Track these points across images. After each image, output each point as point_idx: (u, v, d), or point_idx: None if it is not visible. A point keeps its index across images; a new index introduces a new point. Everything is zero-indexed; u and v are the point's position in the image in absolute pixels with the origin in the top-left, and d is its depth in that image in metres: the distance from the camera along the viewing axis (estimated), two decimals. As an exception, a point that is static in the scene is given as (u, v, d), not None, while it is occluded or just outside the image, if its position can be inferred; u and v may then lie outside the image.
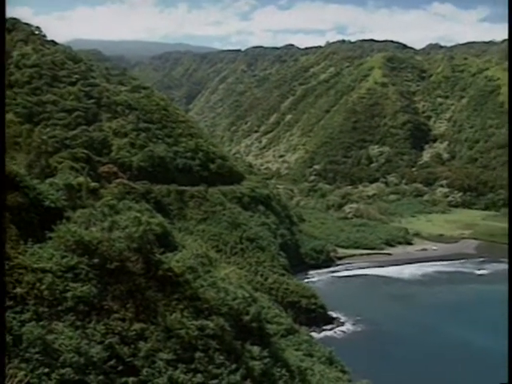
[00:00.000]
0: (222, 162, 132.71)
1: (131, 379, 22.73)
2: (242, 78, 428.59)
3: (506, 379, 18.76)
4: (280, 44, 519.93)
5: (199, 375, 26.07)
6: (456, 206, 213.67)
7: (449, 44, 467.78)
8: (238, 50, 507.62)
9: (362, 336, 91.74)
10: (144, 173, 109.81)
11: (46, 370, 19.47)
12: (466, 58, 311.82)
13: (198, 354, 27.06)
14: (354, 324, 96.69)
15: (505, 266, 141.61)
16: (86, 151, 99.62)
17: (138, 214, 31.88)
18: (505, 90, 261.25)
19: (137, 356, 24.04)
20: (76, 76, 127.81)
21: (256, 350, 32.83)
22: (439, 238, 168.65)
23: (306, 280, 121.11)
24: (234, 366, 28.59)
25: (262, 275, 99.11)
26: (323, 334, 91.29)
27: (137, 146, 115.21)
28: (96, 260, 25.63)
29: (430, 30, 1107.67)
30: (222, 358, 28.29)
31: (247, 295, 36.57)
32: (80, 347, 21.34)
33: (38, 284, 22.17)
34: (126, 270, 26.91)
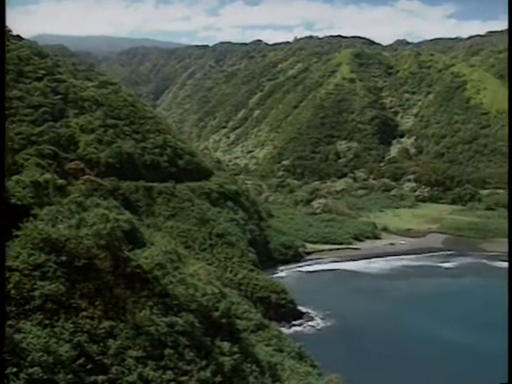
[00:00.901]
0: (190, 158, 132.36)
1: (100, 377, 22.61)
2: (210, 74, 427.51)
3: (506, 379, 18.88)
4: (248, 40, 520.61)
5: (169, 372, 26.03)
6: (423, 201, 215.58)
7: (416, 40, 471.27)
8: (206, 46, 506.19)
9: (331, 330, 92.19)
10: (112, 169, 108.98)
11: (14, 369, 19.27)
12: (432, 55, 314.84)
13: (167, 351, 27.01)
14: (323, 319, 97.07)
15: (471, 260, 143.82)
16: (52, 148, 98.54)
17: (106, 211, 31.71)
18: (471, 85, 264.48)
19: (106, 354, 23.90)
20: (42, 71, 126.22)
21: (226, 345, 32.87)
22: (407, 233, 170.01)
23: (276, 275, 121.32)
24: (204, 363, 28.58)
25: (231, 271, 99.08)
26: (293, 329, 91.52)
27: (104, 143, 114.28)
28: (64, 258, 25.42)
29: (398, 26, 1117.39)
30: (191, 354, 28.27)
31: (216, 291, 36.59)
32: (48, 346, 21.15)
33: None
34: (94, 268, 26.72)
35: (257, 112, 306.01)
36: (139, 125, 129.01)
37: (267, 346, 56.79)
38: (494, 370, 76.66)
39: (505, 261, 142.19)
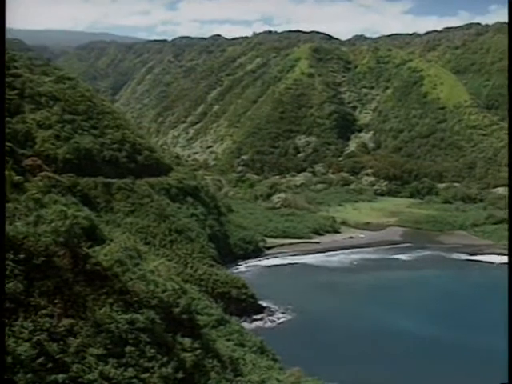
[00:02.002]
0: (150, 154, 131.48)
1: (61, 376, 22.39)
2: (168, 69, 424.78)
3: (507, 379, 19.09)
4: (207, 34, 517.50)
5: (130, 369, 25.92)
6: (382, 195, 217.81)
7: (374, 35, 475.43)
8: (165, 41, 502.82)
9: (292, 324, 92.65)
10: (70, 165, 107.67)
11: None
12: (390, 50, 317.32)
13: (128, 348, 26.89)
14: (284, 313, 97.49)
15: (429, 252, 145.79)
16: (9, 144, 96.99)
17: (64, 208, 31.40)
18: (428, 80, 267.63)
19: (66, 352, 23.69)
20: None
21: (187, 341, 32.88)
22: (366, 226, 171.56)
23: (236, 270, 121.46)
24: (165, 359, 28.54)
25: (191, 267, 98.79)
26: (254, 323, 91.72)
27: (62, 138, 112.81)
28: (22, 255, 25.10)
29: (356, 21, 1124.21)
30: (153, 351, 28.20)
31: (177, 287, 36.55)
32: (7, 346, 20.86)
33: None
34: (52, 265, 26.43)
35: (216, 107, 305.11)
36: (97, 120, 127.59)
37: (228, 341, 56.82)
38: (455, 361, 78.16)
39: (461, 252, 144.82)
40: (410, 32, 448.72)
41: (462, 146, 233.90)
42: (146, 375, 26.41)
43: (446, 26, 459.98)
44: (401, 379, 72.42)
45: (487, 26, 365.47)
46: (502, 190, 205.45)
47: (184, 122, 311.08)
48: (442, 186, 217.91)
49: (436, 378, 72.82)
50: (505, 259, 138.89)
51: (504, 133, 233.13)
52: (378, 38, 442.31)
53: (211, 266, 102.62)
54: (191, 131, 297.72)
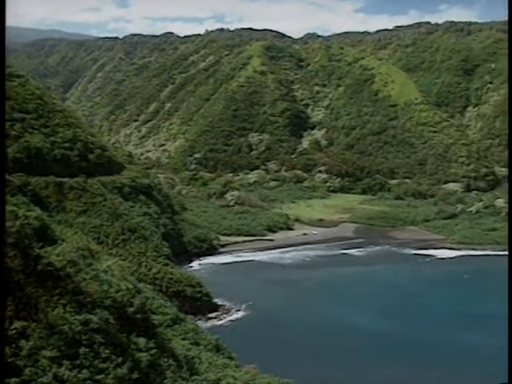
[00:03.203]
0: (101, 152, 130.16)
1: (13, 380, 21.98)
2: (120, 67, 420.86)
3: (507, 379, 19.19)
4: (159, 32, 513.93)
5: (85, 371, 25.59)
6: (335, 191, 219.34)
7: (325, 34, 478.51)
8: (116, 38, 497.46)
9: (247, 322, 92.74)
10: (20, 164, 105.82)
11: None
12: (342, 48, 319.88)
13: (82, 350, 26.54)
14: (239, 310, 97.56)
15: (381, 248, 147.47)
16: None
17: (15, 208, 30.85)
18: (379, 78, 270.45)
19: (18, 355, 23.27)
20: None
21: (142, 341, 32.64)
22: (319, 223, 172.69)
23: (190, 269, 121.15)
24: (120, 359, 28.26)
25: (145, 266, 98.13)
26: (209, 321, 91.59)
27: (11, 137, 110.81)
28: (-29, 257, 24.52)
29: (308, 19, 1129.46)
30: (107, 351, 27.89)
31: (131, 287, 36.26)
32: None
33: None
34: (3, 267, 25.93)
35: (168, 105, 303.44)
36: (48, 119, 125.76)
37: (184, 339, 56.62)
38: (408, 355, 79.18)
39: (413, 247, 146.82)
40: (362, 30, 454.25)
41: (413, 142, 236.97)
42: (101, 376, 26.13)
43: (396, 24, 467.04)
44: (355, 374, 73.04)
45: (437, 24, 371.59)
46: (452, 186, 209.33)
47: (136, 120, 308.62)
48: (393, 182, 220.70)
49: (390, 372, 73.65)
50: (455, 253, 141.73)
51: (454, 130, 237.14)
52: (330, 36, 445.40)
53: (165, 264, 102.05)
54: (143, 129, 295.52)
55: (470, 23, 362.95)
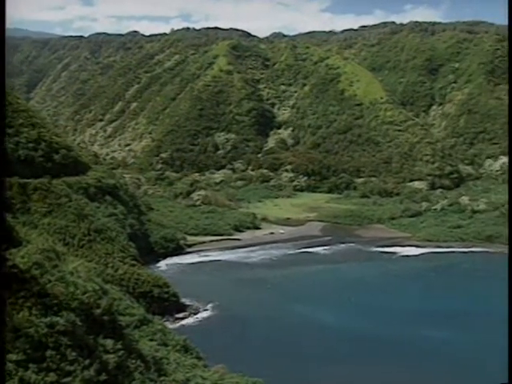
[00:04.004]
0: (67, 153, 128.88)
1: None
2: (85, 66, 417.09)
3: (507, 379, 19.23)
4: (124, 31, 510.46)
5: (52, 374, 25.34)
6: (301, 190, 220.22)
7: (291, 33, 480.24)
8: (81, 37, 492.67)
9: (215, 321, 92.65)
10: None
11: None
12: (308, 47, 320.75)
13: (49, 352, 26.27)
14: (207, 310, 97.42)
15: (348, 246, 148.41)
16: None
17: (-21, 210, 30.39)
18: (345, 77, 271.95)
19: (-17, 359, 22.92)
20: None
21: (109, 343, 32.41)
22: (286, 222, 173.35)
23: (157, 269, 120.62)
24: (87, 362, 28.03)
25: (112, 267, 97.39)
26: (177, 322, 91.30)
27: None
28: None
29: (274, 19, 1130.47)
30: (74, 354, 27.63)
31: (97, 288, 35.98)
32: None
33: None
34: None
35: (134, 104, 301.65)
36: (12, 119, 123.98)
37: (151, 340, 56.36)
38: (377, 353, 79.75)
39: (379, 245, 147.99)
40: (328, 30, 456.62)
41: (379, 141, 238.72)
42: (68, 379, 25.91)
43: (362, 24, 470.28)
44: (325, 372, 73.34)
45: (402, 24, 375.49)
46: (417, 184, 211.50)
47: (102, 119, 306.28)
48: (359, 180, 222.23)
49: (357, 369, 74.14)
50: (421, 251, 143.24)
51: (418, 128, 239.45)
52: (296, 35, 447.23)
53: (132, 265, 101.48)
54: (109, 129, 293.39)
55: (434, 23, 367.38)
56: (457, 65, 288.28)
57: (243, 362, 67.61)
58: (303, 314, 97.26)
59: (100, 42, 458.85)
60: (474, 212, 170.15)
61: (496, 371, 74.39)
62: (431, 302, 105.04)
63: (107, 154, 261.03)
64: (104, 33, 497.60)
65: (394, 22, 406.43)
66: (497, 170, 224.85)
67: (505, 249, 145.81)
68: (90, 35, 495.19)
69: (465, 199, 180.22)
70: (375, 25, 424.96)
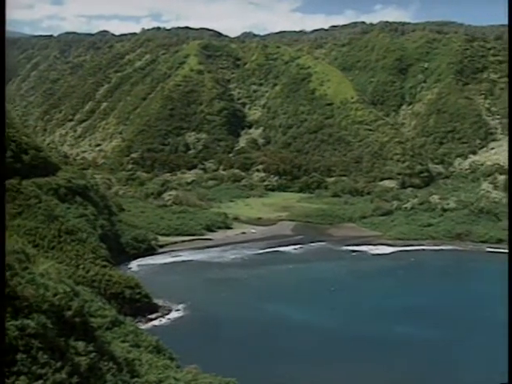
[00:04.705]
0: (36, 153, 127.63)
1: None
2: (54, 65, 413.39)
3: (507, 379, 19.26)
4: (94, 30, 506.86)
5: (23, 377, 25.08)
6: (272, 190, 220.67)
7: (262, 33, 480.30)
8: (51, 36, 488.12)
9: (188, 322, 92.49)
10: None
11: None
12: (278, 47, 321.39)
13: (19, 356, 26.01)
14: (179, 310, 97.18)
15: (319, 245, 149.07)
16: None
17: None
18: (315, 77, 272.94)
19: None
20: None
21: (81, 345, 32.17)
22: (258, 221, 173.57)
23: (129, 270, 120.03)
24: (59, 364, 27.78)
25: (83, 268, 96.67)
26: (150, 323, 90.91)
27: None
28: None
29: (245, 18, 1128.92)
30: (45, 356, 27.38)
31: (68, 290, 35.68)
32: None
33: None
34: None
35: (104, 104, 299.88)
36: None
37: (123, 342, 56.05)
38: (351, 351, 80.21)
39: (350, 244, 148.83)
40: (298, 30, 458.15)
41: (349, 140, 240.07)
42: (40, 382, 25.67)
43: (332, 24, 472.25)
44: (298, 371, 73.55)
45: (372, 24, 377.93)
46: (388, 183, 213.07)
47: (71, 120, 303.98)
48: (330, 180, 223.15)
49: (333, 368, 74.46)
50: (391, 249, 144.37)
51: (389, 128, 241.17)
52: (267, 35, 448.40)
53: (103, 266, 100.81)
54: (79, 129, 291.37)
55: (403, 23, 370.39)
56: (426, 65, 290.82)
57: (216, 361, 67.55)
58: (275, 313, 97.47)
59: (70, 41, 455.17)
60: (444, 210, 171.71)
61: (466, 364, 75.55)
62: (402, 300, 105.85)
63: (77, 155, 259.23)
64: (74, 32, 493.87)
65: (364, 22, 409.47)
66: (466, 169, 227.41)
67: (473, 246, 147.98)
68: (59, 34, 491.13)
69: (435, 198, 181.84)
70: (345, 25, 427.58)
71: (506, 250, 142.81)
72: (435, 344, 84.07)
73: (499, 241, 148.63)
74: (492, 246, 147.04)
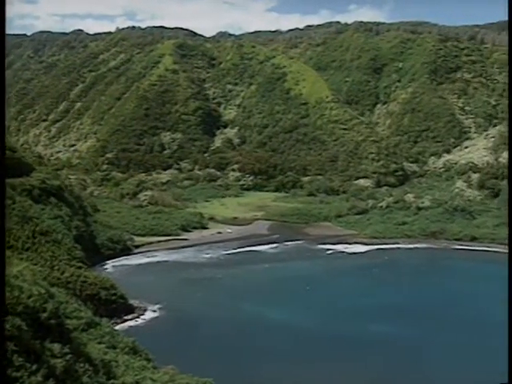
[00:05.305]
0: (10, 154, 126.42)
1: None
2: (28, 65, 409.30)
3: (507, 379, 19.33)
4: (68, 29, 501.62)
5: (-3, 381, 24.88)
6: (248, 189, 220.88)
7: (237, 32, 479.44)
8: (24, 35, 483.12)
9: (164, 322, 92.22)
10: None
11: None
12: (254, 46, 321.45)
13: (-6, 359, 25.80)
14: (155, 311, 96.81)
15: (295, 244, 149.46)
16: None
17: None
18: (290, 77, 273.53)
19: None
20: None
21: (57, 347, 31.99)
22: (233, 221, 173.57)
23: (105, 271, 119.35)
24: (34, 367, 27.63)
25: (58, 269, 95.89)
26: (126, 324, 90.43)
27: None
28: None
29: (220, 18, 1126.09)
30: (21, 359, 27.21)
31: (43, 291, 35.47)
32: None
33: None
34: None
35: (78, 104, 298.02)
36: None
37: (100, 343, 55.77)
38: (329, 350, 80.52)
39: (326, 243, 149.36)
40: (273, 29, 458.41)
41: (325, 140, 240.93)
42: (14, 385, 25.54)
43: (307, 24, 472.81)
44: (274, 370, 73.61)
45: (346, 24, 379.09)
46: (363, 182, 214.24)
47: (45, 120, 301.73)
48: (306, 179, 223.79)
49: (310, 368, 74.62)
50: (367, 248, 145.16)
51: (364, 127, 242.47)
52: (242, 34, 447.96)
53: (78, 267, 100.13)
54: (53, 129, 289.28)
55: (378, 23, 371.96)
56: (400, 64, 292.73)
57: (193, 362, 67.51)
58: (251, 312, 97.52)
59: (43, 40, 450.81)
60: (419, 209, 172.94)
61: (441, 362, 76.14)
62: (377, 298, 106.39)
63: (51, 155, 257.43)
64: (48, 31, 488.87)
65: (339, 22, 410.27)
66: (440, 168, 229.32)
67: (448, 244, 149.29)
68: (33, 33, 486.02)
69: (410, 196, 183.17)
70: (320, 25, 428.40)
71: (479, 248, 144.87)
72: (410, 342, 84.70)
73: (473, 239, 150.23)
74: (467, 244, 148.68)
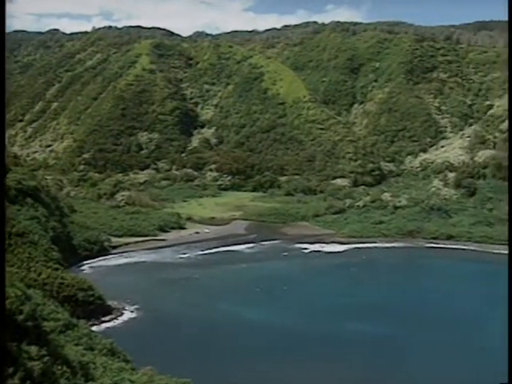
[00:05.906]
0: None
1: None
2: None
3: (507, 379, 19.43)
4: (44, 29, 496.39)
5: (-26, 384, 24.75)
6: (225, 189, 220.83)
7: (214, 32, 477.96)
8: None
9: (142, 323, 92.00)
10: None
11: None
12: (231, 46, 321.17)
13: (-29, 362, 25.67)
14: (133, 312, 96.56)
15: (273, 243, 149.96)
16: None
17: None
18: (268, 76, 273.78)
19: None
20: None
21: (34, 349, 31.89)
22: (211, 221, 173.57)
23: (82, 272, 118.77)
24: (11, 370, 27.52)
25: (34, 271, 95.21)
26: (103, 325, 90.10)
27: None
28: None
29: (197, 17, 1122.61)
30: (-3, 362, 27.07)
31: (20, 293, 35.34)
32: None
33: None
34: None
35: (55, 104, 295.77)
36: None
37: (77, 345, 55.58)
38: (310, 350, 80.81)
39: (304, 242, 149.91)
40: (250, 29, 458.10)
41: (302, 139, 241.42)
42: (-9, 388, 25.41)
43: (285, 23, 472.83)
44: (253, 370, 73.75)
45: (324, 24, 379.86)
46: (340, 181, 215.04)
47: (21, 120, 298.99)
48: (283, 179, 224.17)
49: (289, 368, 74.87)
50: (344, 247, 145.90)
51: (341, 127, 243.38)
52: (219, 34, 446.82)
53: (55, 269, 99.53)
54: (29, 130, 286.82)
55: (355, 23, 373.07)
56: (377, 64, 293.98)
57: (171, 362, 67.43)
58: (229, 312, 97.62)
59: (19, 40, 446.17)
60: (396, 208, 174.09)
61: (419, 361, 76.84)
62: (355, 297, 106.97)
63: (28, 155, 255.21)
64: (23, 30, 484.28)
65: (316, 22, 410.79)
66: (417, 167, 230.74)
67: (424, 243, 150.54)
68: (8, 33, 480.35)
69: (387, 195, 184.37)
70: (297, 24, 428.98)
71: (456, 246, 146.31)
72: (388, 341, 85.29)
73: (450, 237, 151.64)
74: (444, 242, 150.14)
